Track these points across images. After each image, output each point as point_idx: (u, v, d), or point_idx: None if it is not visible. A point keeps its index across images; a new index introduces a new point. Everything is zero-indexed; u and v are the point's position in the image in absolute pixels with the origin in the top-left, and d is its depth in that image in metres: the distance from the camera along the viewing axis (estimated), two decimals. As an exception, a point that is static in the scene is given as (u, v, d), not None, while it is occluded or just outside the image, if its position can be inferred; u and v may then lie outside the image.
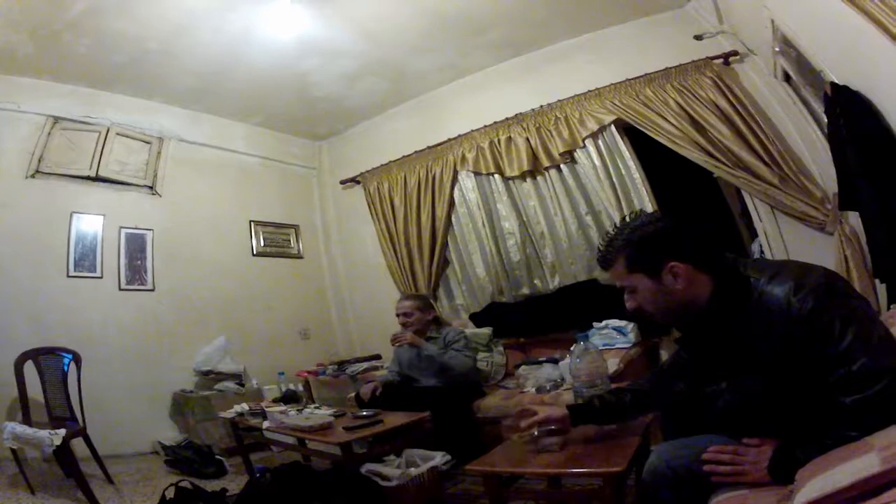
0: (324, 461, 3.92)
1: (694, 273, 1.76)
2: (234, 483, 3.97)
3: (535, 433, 2.29)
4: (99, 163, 5.28)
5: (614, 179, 5.30)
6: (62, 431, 3.66)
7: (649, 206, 5.12)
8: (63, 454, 3.71)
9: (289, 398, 4.85)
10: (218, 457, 4.61)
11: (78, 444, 3.99)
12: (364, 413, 3.83)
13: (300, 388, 5.52)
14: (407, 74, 5.97)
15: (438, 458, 3.35)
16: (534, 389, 4.41)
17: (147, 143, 5.64)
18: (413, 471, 3.21)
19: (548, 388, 4.35)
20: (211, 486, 3.59)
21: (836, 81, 3.15)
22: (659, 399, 2.25)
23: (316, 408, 4.37)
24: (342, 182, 6.88)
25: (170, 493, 3.23)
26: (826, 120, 3.57)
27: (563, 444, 2.37)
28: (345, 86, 5.91)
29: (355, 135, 6.98)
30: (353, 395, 4.77)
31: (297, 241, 6.87)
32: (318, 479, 3.24)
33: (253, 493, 3.14)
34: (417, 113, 6.51)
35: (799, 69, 3.98)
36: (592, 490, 2.65)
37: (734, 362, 1.84)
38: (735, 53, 4.97)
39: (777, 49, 4.04)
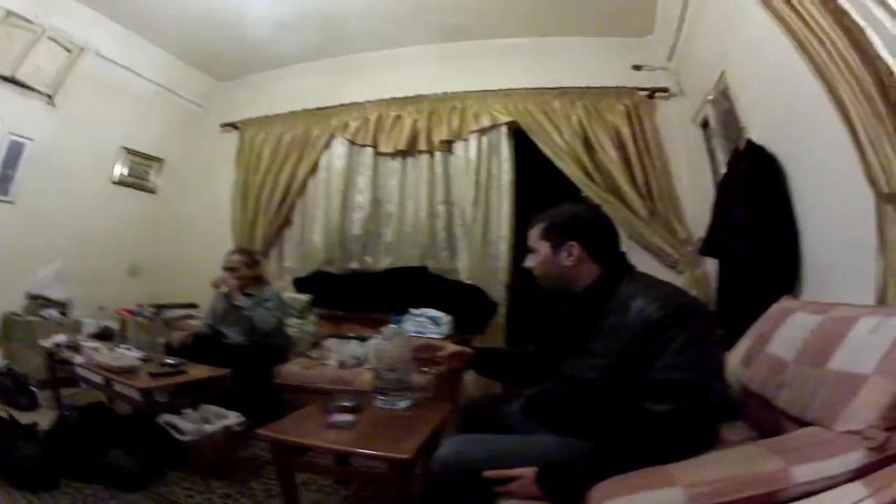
0: (125, 405, 3.73)
1: (586, 258, 1.98)
2: (46, 417, 3.69)
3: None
4: (21, 64, 4.94)
5: (482, 177, 5.36)
6: None
7: (506, 209, 5.27)
8: None
9: (105, 335, 4.68)
10: (32, 388, 4.36)
11: None
12: (170, 361, 3.75)
13: (117, 326, 5.32)
14: (336, 34, 5.76)
15: (233, 419, 3.31)
16: (336, 364, 4.34)
17: (69, 51, 5.27)
18: (207, 427, 3.17)
19: (350, 364, 4.31)
20: (24, 418, 3.39)
21: (754, 140, 3.32)
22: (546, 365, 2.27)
23: (127, 349, 4.17)
24: (223, 125, 6.59)
25: None
26: (724, 171, 3.76)
27: (354, 423, 2.48)
28: (274, 31, 5.62)
29: (256, 81, 6.66)
30: (164, 340, 4.60)
31: (157, 175, 6.51)
32: (119, 424, 3.23)
33: (61, 431, 3.11)
34: (324, 73, 6.24)
35: (722, 120, 4.06)
36: (379, 473, 2.62)
37: (578, 350, 1.96)
38: (665, 90, 5.08)
39: (711, 98, 4.11)
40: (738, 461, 1.41)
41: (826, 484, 1.28)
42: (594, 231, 2.02)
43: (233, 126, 6.52)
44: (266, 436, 2.43)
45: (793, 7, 2.47)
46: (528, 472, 1.70)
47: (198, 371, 3.65)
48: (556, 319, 2.24)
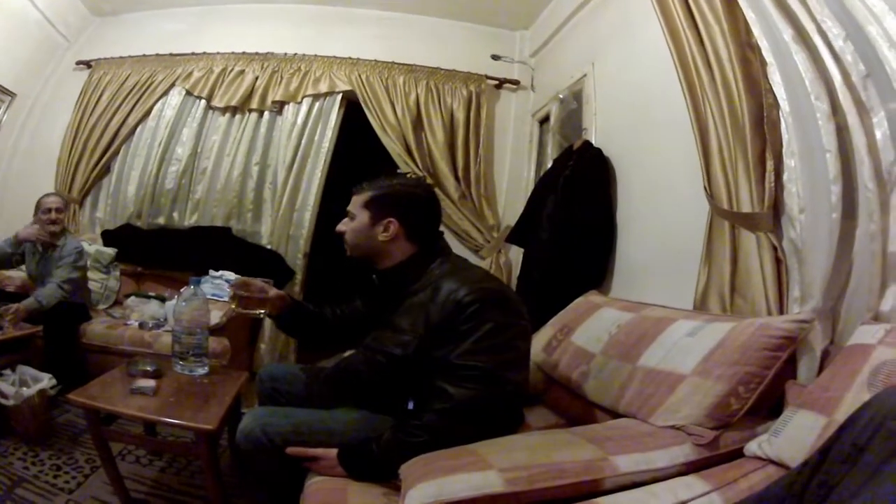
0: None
1: (402, 237, 2.03)
2: None
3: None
4: None
5: (304, 141, 5.40)
6: None
7: (318, 176, 5.33)
8: None
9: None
10: None
11: None
12: None
13: None
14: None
15: (46, 381, 3.19)
16: (137, 324, 4.31)
17: None
18: (26, 391, 3.05)
19: (150, 325, 4.28)
20: None
21: (592, 142, 3.60)
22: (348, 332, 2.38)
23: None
24: (78, 63, 6.32)
25: None
26: (549, 165, 4.00)
27: (156, 389, 2.44)
28: None
29: (130, 21, 6.34)
30: None
31: (5, 112, 6.07)
32: None
33: None
34: (194, 18, 6.07)
35: (564, 119, 4.30)
36: (186, 444, 2.77)
37: (384, 325, 2.03)
38: (515, 83, 5.31)
39: (561, 96, 4.32)
40: (551, 447, 1.50)
41: (654, 475, 1.41)
42: (418, 212, 2.06)
43: (86, 64, 6.28)
44: (77, 402, 2.35)
45: (687, 15, 2.52)
46: (330, 452, 1.78)
47: (12, 330, 3.50)
48: (365, 290, 2.32)
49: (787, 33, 1.99)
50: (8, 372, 3.24)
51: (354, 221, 2.09)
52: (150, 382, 2.48)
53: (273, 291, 2.31)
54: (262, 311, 2.33)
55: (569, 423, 2.07)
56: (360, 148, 5.30)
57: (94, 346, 4.12)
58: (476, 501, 1.28)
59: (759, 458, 1.49)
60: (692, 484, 1.37)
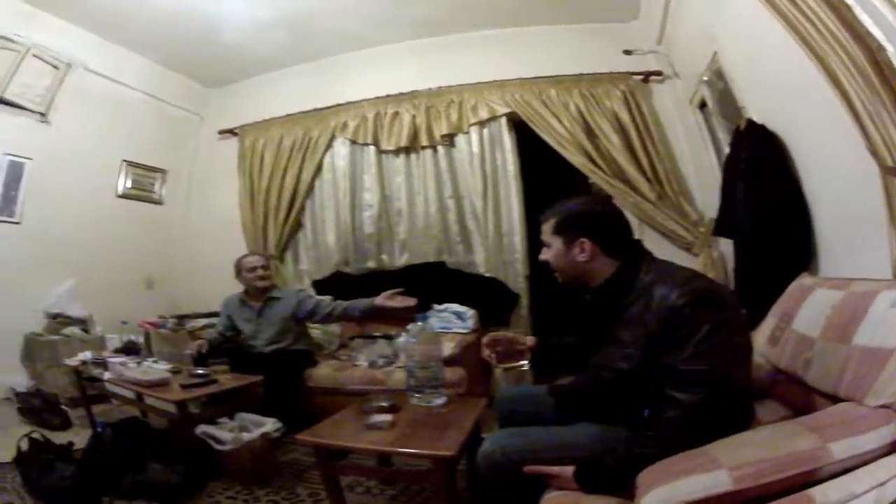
0: (160, 418, 3.83)
1: (600, 254, 2.01)
2: (78, 437, 3.75)
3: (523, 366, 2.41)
4: (8, 84, 4.93)
5: (487, 169, 5.41)
6: None
7: (514, 199, 5.33)
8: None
9: (129, 349, 4.70)
10: (63, 407, 4.41)
11: None
12: (199, 372, 3.79)
13: (141, 339, 5.33)
14: (318, 35, 5.81)
15: (270, 425, 3.35)
16: (366, 363, 4.45)
17: (56, 68, 5.28)
18: (246, 436, 3.20)
19: (380, 363, 4.40)
20: (58, 438, 3.44)
21: (755, 119, 3.37)
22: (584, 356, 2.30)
23: (154, 362, 4.27)
24: (220, 132, 6.67)
25: (24, 445, 3.17)
26: (728, 151, 3.80)
27: (392, 422, 2.51)
28: (254, 35, 5.67)
29: (247, 87, 6.75)
30: (189, 352, 4.59)
31: (162, 186, 6.58)
32: (156, 438, 3.28)
33: (97, 450, 3.13)
34: (315, 74, 6.32)
35: (719, 101, 4.13)
36: (422, 472, 2.69)
37: (608, 341, 2.01)
38: (659, 74, 5.15)
39: (706, 78, 4.17)
40: (776, 440, 1.44)
41: (862, 459, 1.31)
42: (605, 226, 2.05)
43: (230, 132, 6.59)
44: (306, 441, 2.47)
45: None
46: (565, 470, 1.79)
47: (229, 380, 3.70)
48: (581, 311, 2.29)
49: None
50: (225, 420, 3.41)
51: (551, 249, 2.12)
52: (386, 417, 2.56)
53: (530, 339, 2.42)
54: (526, 362, 2.40)
55: (796, 413, 1.91)
56: (550, 164, 5.26)
57: (320, 388, 4.33)
58: (706, 501, 1.28)
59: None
60: (888, 465, 1.29)
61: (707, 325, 1.68)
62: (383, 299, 4.14)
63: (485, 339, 2.44)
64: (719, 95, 4.10)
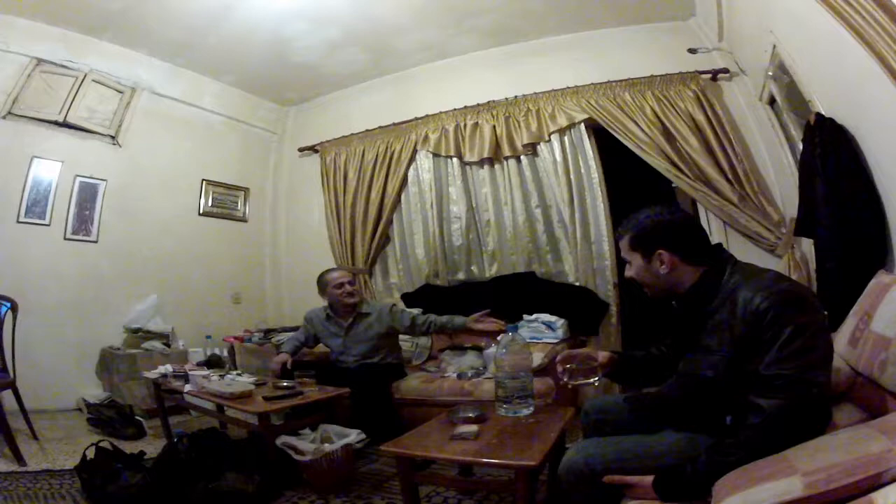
0: (240, 430, 3.91)
1: (680, 263, 2.02)
2: (151, 446, 3.88)
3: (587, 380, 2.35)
4: (69, 108, 5.15)
5: (572, 177, 5.37)
6: (-6, 382, 3.54)
7: (601, 206, 5.27)
8: (-7, 406, 3.57)
9: (212, 363, 4.81)
10: (138, 418, 4.53)
11: (6, 397, 3.87)
12: (284, 384, 3.83)
13: (225, 353, 5.46)
14: (389, 49, 5.92)
15: (353, 436, 3.36)
16: (455, 375, 4.47)
17: (120, 92, 5.52)
18: (327, 447, 3.23)
19: (469, 375, 4.42)
20: (130, 447, 3.51)
21: (822, 112, 3.27)
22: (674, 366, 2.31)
23: (238, 374, 4.34)
24: (300, 149, 6.90)
25: (90, 453, 3.21)
26: (802, 147, 3.67)
27: (478, 433, 2.51)
28: (325, 54, 5.83)
29: (323, 104, 6.97)
30: (273, 366, 4.65)
31: (245, 204, 6.83)
32: (233, 448, 3.32)
33: (170, 458, 3.18)
34: (390, 89, 6.49)
35: (787, 95, 4.03)
36: (503, 482, 2.74)
37: (694, 348, 2.05)
38: (726, 71, 5.04)
39: (770, 73, 4.09)
40: (847, 445, 1.42)
41: None
42: (680, 234, 2.05)
43: (311, 149, 6.76)
44: (388, 451, 2.48)
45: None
46: (644, 479, 1.79)
47: (314, 392, 3.71)
48: (669, 320, 2.30)
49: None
50: (307, 431, 3.48)
51: (633, 266, 2.14)
52: (472, 427, 2.58)
53: (602, 356, 2.37)
54: (596, 379, 2.34)
55: (872, 417, 1.86)
56: (634, 171, 5.21)
57: (408, 400, 4.37)
58: None
59: None
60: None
61: (790, 327, 1.67)
62: (473, 322, 4.21)
63: (559, 357, 2.40)
64: (786, 90, 4.00)
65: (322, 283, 4.63)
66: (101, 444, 3.26)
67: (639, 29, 5.47)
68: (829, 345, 1.82)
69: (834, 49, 2.88)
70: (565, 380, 2.33)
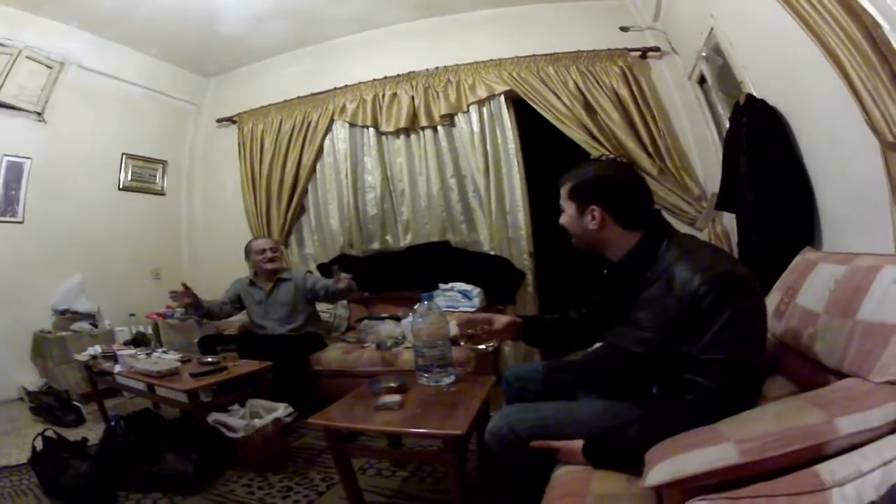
0: (174, 410, 3.88)
1: (611, 223, 1.98)
2: (92, 432, 3.87)
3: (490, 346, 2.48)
4: (2, 86, 4.99)
5: (488, 147, 5.43)
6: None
7: (517, 177, 5.35)
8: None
9: (138, 341, 4.81)
10: (76, 403, 4.46)
11: None
12: (209, 360, 3.85)
13: (150, 330, 5.44)
14: (315, 21, 5.84)
15: (282, 410, 3.38)
16: (374, 345, 4.48)
17: (49, 67, 5.32)
18: (258, 422, 3.24)
19: (388, 345, 4.43)
20: (72, 434, 3.47)
21: (754, 94, 3.36)
22: (595, 330, 2.34)
23: (164, 352, 4.32)
24: (218, 120, 6.80)
25: (38, 444, 3.21)
26: (728, 125, 3.80)
27: (401, 403, 2.54)
28: (251, 26, 5.70)
29: (244, 74, 6.83)
30: (197, 339, 4.73)
31: (163, 177, 6.70)
32: (169, 428, 3.30)
33: (110, 444, 3.17)
34: (312, 59, 6.44)
35: (719, 76, 4.12)
36: (433, 452, 2.75)
37: (624, 319, 2.00)
38: (657, 49, 5.14)
39: (704, 54, 4.15)
40: (782, 415, 1.43)
41: (868, 436, 1.30)
42: (619, 195, 1.98)
43: (229, 120, 6.66)
44: (318, 424, 2.48)
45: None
46: (572, 444, 1.82)
47: (238, 367, 3.73)
48: (600, 286, 2.28)
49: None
50: (236, 407, 3.48)
51: (565, 214, 2.09)
52: (395, 397, 2.58)
53: (499, 322, 2.39)
54: (491, 344, 2.43)
55: (802, 389, 1.89)
56: (551, 142, 5.24)
57: (330, 371, 4.41)
58: (712, 474, 1.28)
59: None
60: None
61: (727, 313, 1.66)
62: (335, 282, 4.41)
63: (459, 321, 2.46)
64: (718, 71, 4.09)
65: (247, 251, 4.83)
66: (46, 434, 3.24)
67: (575, 6, 5.50)
68: (764, 328, 1.85)
69: (776, 35, 2.94)
70: (462, 343, 2.42)
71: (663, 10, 4.89)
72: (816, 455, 1.26)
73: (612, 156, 2.44)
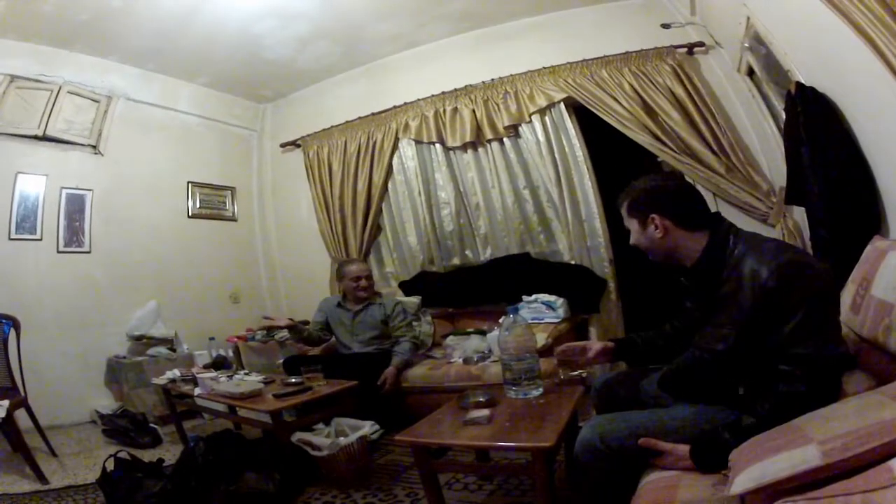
0: (255, 430, 3.94)
1: (673, 228, 2.04)
2: (169, 453, 3.96)
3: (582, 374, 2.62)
4: (47, 122, 5.12)
5: (556, 156, 5.39)
6: (5, 403, 3.52)
7: (589, 184, 5.30)
8: (8, 426, 3.56)
9: (219, 364, 4.85)
10: (152, 425, 4.55)
11: (20, 416, 3.84)
12: (293, 380, 3.88)
13: (230, 353, 5.52)
14: (360, 41, 5.91)
15: (367, 428, 3.41)
16: (461, 360, 4.50)
17: (96, 101, 5.47)
18: (343, 440, 3.27)
19: (475, 359, 4.44)
20: (147, 455, 3.55)
21: (803, 81, 3.29)
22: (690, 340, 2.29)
23: (245, 374, 4.39)
24: (282, 145, 6.90)
25: (110, 465, 3.21)
26: (784, 117, 3.70)
27: (490, 417, 2.50)
28: (296, 49, 5.82)
29: (300, 98, 6.95)
30: (280, 361, 4.79)
31: (233, 203, 6.84)
32: (250, 448, 3.33)
33: (188, 464, 3.16)
34: (365, 79, 6.48)
35: (765, 66, 4.06)
36: (521, 465, 2.77)
37: (706, 321, 2.04)
38: (701, 44, 5.05)
39: (747, 45, 4.11)
40: (859, 412, 1.39)
41: None
42: (671, 199, 2.06)
43: (293, 144, 6.75)
44: (404, 441, 2.46)
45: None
46: (679, 448, 1.80)
47: (323, 387, 3.75)
48: (680, 296, 2.33)
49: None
50: (321, 426, 3.54)
51: (633, 233, 2.16)
52: (484, 412, 2.57)
53: (593, 350, 2.47)
54: (583, 372, 2.58)
55: (880, 383, 1.82)
56: (620, 147, 5.24)
57: (416, 388, 4.44)
58: (793, 479, 1.24)
59: None
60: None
61: (802, 307, 1.69)
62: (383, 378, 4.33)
63: (557, 351, 2.56)
64: (764, 60, 4.03)
65: (340, 272, 4.87)
66: (119, 455, 3.26)
67: (607, 7, 5.47)
68: (837, 311, 1.86)
69: (808, 19, 2.90)
70: (559, 371, 2.60)
71: (698, 3, 4.86)
72: (893, 450, 1.20)
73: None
